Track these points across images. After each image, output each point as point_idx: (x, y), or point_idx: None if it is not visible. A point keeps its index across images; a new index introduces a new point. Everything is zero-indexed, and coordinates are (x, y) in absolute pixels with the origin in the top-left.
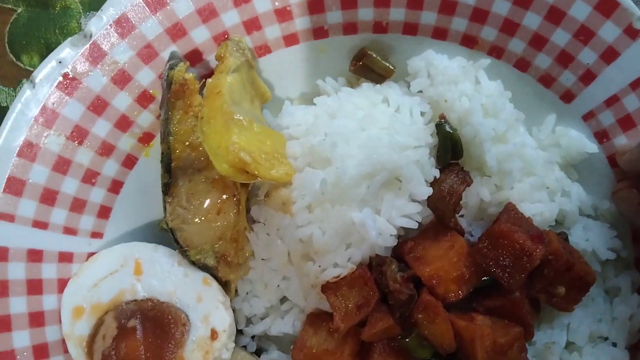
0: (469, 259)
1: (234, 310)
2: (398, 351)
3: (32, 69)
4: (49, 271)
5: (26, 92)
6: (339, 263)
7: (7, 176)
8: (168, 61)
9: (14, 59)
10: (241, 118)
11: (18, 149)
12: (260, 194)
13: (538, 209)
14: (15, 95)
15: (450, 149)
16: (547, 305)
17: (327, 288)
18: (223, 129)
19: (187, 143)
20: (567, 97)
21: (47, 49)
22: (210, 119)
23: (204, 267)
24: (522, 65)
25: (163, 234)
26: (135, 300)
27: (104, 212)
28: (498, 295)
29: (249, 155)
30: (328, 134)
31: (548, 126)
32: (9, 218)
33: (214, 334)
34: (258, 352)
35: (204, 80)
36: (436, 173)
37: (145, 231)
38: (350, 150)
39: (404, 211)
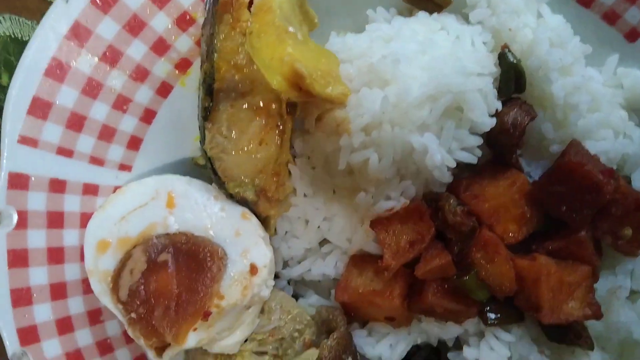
0: (530, 198)
1: None
2: (452, 293)
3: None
4: (71, 204)
5: (58, 7)
6: (392, 196)
7: (32, 96)
8: None
9: None
10: (295, 32)
11: (46, 67)
12: (307, 124)
13: (603, 147)
14: None
15: (513, 80)
16: (612, 248)
17: (377, 224)
18: (276, 42)
19: (232, 63)
20: (632, 35)
21: None
22: (261, 33)
23: (242, 201)
24: (585, 0)
25: (196, 172)
26: (167, 234)
27: (134, 143)
28: (560, 236)
29: (304, 68)
30: (387, 55)
31: (610, 67)
32: (32, 143)
33: (253, 269)
34: (294, 297)
35: None
36: (498, 105)
37: (177, 168)
38: (413, 71)
39: (464, 143)
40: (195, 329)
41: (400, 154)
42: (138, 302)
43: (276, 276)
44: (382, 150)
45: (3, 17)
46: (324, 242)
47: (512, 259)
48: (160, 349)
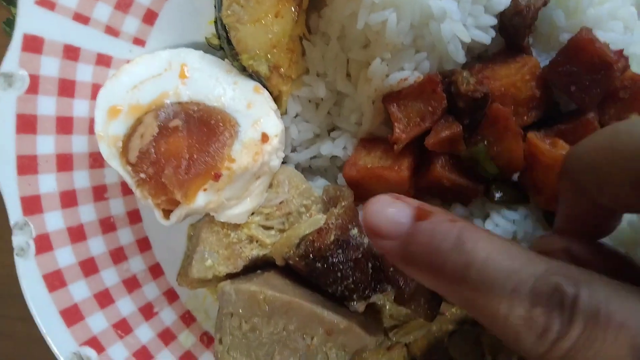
0: (540, 80)
1: None
2: (460, 168)
3: None
4: (84, 73)
5: None
6: (406, 67)
7: None
8: None
9: None
10: None
11: None
12: None
13: (611, 38)
14: None
15: None
16: None
17: (389, 98)
18: None
19: None
20: None
21: None
22: None
23: (255, 76)
24: None
25: (210, 52)
26: (179, 102)
27: (150, 17)
28: (569, 119)
29: None
30: None
31: None
32: (49, 5)
33: (264, 137)
34: None
35: None
36: None
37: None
38: None
39: (479, 21)
40: (205, 189)
41: (419, 18)
42: (148, 163)
43: (284, 161)
44: (401, 11)
45: None
46: (332, 129)
47: (530, 140)
48: (168, 212)
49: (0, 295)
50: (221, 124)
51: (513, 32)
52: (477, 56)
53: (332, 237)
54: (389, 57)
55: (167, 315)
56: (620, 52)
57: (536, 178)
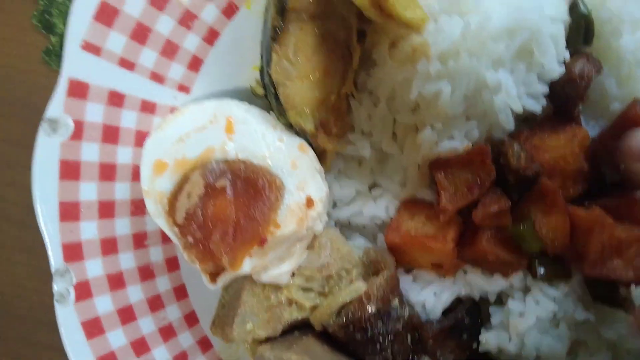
0: (589, 155)
1: None
2: (505, 241)
3: None
4: (128, 119)
5: None
6: (456, 136)
7: (100, 1)
8: None
9: None
10: None
11: None
12: (376, 54)
13: None
14: None
15: (583, 31)
16: None
17: (437, 165)
18: None
19: None
20: None
21: None
22: None
23: (300, 132)
24: None
25: (251, 102)
26: (226, 160)
27: (195, 64)
28: (615, 195)
29: None
30: None
31: None
32: (95, 50)
33: (309, 202)
34: None
35: None
36: (567, 55)
37: (233, 95)
38: (494, 3)
39: (531, 89)
40: (250, 255)
41: (473, 89)
42: (195, 226)
43: None
44: (456, 82)
45: None
46: (374, 186)
47: (569, 209)
48: (214, 275)
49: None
50: (267, 187)
51: (565, 101)
52: (524, 119)
53: (374, 309)
54: (439, 127)
55: None
56: None
57: (577, 244)
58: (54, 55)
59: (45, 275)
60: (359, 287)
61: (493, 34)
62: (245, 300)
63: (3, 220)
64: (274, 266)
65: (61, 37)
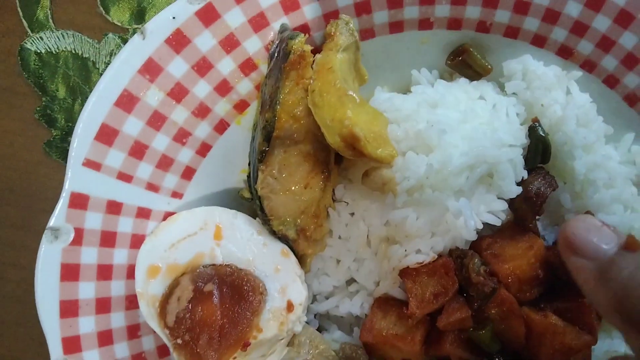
0: (544, 263)
1: None
2: (467, 342)
3: (119, 24)
4: (125, 225)
5: (135, 42)
6: (422, 250)
7: (101, 123)
8: (280, 32)
9: (103, 12)
10: (354, 95)
11: (117, 97)
12: (351, 175)
13: (613, 220)
14: (99, 49)
15: (540, 152)
16: None
17: (406, 273)
18: (337, 104)
19: (291, 114)
20: None
21: (138, 6)
22: (323, 92)
23: (283, 239)
24: (611, 81)
25: (239, 203)
26: (214, 265)
27: (188, 173)
28: (566, 298)
29: (361, 131)
30: (433, 122)
31: (626, 144)
32: (96, 166)
33: (290, 306)
34: (319, 330)
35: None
36: (525, 174)
37: (222, 197)
38: (455, 140)
39: (491, 207)
40: (234, 358)
41: (437, 215)
42: (184, 329)
43: None
44: (421, 210)
45: (67, 33)
46: (351, 281)
47: (525, 312)
48: None
49: None
50: (251, 292)
51: (522, 215)
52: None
53: None
54: (407, 244)
55: None
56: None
57: (531, 346)
58: (55, 147)
59: (43, 349)
60: None
61: (454, 171)
62: None
63: (6, 299)
64: None
65: (61, 130)
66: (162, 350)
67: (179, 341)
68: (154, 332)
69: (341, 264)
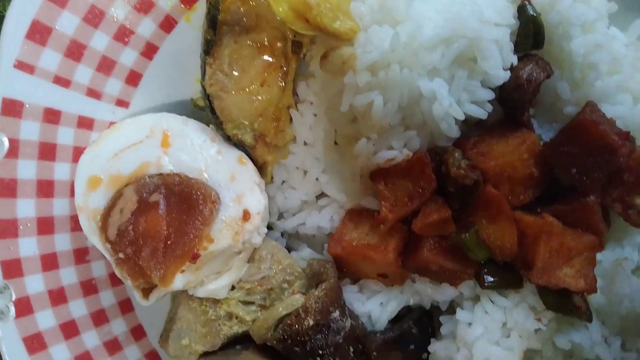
0: (540, 158)
1: None
2: (450, 251)
3: None
4: (65, 136)
5: None
6: (395, 146)
7: (31, 19)
8: None
9: None
10: None
11: None
12: (313, 66)
13: (619, 112)
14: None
15: (532, 34)
16: (622, 218)
17: (377, 175)
18: None
19: None
20: None
21: None
22: None
23: (239, 145)
24: None
25: (195, 115)
26: (161, 174)
27: (133, 79)
28: (568, 201)
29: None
30: None
31: (635, 31)
32: (29, 69)
33: (246, 215)
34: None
35: None
36: (514, 59)
37: (175, 109)
38: (428, 12)
39: (475, 96)
40: (182, 271)
41: (407, 100)
42: (126, 242)
43: (270, 227)
44: (388, 93)
45: None
46: (320, 195)
47: (516, 216)
48: (147, 290)
49: None
50: (202, 201)
51: (513, 106)
52: (475, 124)
53: (311, 322)
54: (375, 137)
55: None
56: (626, 135)
57: (526, 251)
58: None
59: None
60: (296, 300)
61: (426, 44)
62: (181, 316)
63: None
64: (211, 280)
65: None
66: (115, 277)
67: (121, 255)
68: (105, 257)
69: (308, 175)
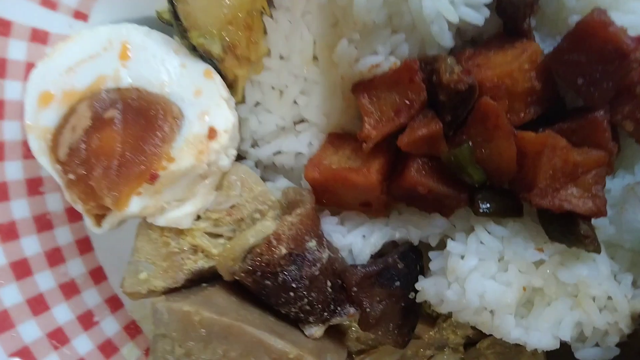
0: (542, 71)
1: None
2: (440, 173)
3: None
4: (16, 50)
5: None
6: (380, 51)
7: None
8: None
9: None
10: None
11: None
12: None
13: (631, 21)
14: None
15: None
16: (633, 137)
17: (359, 88)
18: None
19: None
20: None
21: None
22: None
23: (206, 57)
24: None
25: (161, 30)
26: (118, 89)
27: None
28: (574, 117)
29: None
30: None
31: None
32: None
33: (211, 133)
34: None
35: None
36: None
37: (140, 24)
38: None
39: None
40: (139, 193)
41: None
42: (78, 162)
43: (242, 157)
44: None
45: None
46: (299, 123)
47: (517, 133)
48: (100, 217)
49: None
50: (161, 116)
51: (512, 12)
52: (471, 40)
53: (284, 251)
54: (357, 39)
55: (109, 326)
56: (639, 39)
57: (526, 171)
58: None
59: None
60: (267, 226)
61: None
62: (138, 247)
63: None
64: (173, 208)
65: None
66: (74, 212)
67: (71, 176)
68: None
69: (285, 96)
